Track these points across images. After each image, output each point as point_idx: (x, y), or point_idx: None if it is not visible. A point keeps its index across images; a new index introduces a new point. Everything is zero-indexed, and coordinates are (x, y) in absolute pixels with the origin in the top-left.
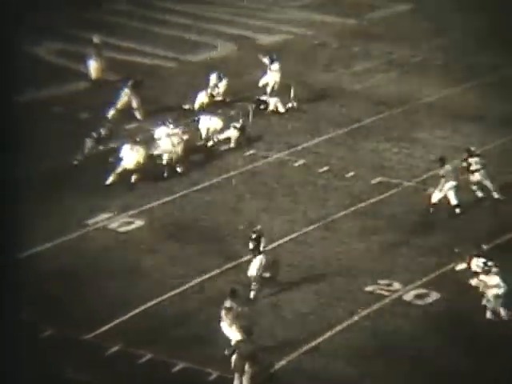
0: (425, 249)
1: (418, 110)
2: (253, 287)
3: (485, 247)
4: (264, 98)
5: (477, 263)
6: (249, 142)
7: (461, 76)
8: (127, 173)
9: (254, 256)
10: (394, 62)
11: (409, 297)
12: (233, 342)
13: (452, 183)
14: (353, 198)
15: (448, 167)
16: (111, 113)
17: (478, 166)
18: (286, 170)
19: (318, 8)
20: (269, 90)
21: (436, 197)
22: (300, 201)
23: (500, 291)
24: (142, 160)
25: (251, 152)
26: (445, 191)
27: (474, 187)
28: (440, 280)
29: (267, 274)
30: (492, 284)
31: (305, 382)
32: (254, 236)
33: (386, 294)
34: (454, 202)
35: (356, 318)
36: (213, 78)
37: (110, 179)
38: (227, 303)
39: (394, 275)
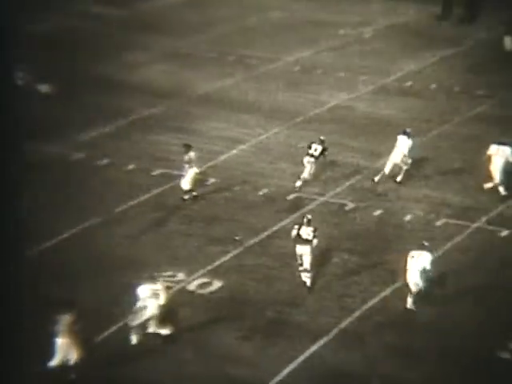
0: (207, 238)
1: (193, 101)
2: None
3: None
4: None
5: None
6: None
7: (234, 68)
8: None
9: None
10: (167, 53)
11: (192, 286)
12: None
13: (195, 170)
14: (134, 191)
15: (192, 154)
16: None
17: (317, 153)
18: (64, 165)
19: None
20: None
21: (185, 184)
22: (81, 195)
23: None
24: None
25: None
26: (189, 177)
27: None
28: (222, 268)
29: None
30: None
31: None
32: None
33: (171, 285)
34: (187, 187)
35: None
36: None
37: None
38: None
39: (178, 266)
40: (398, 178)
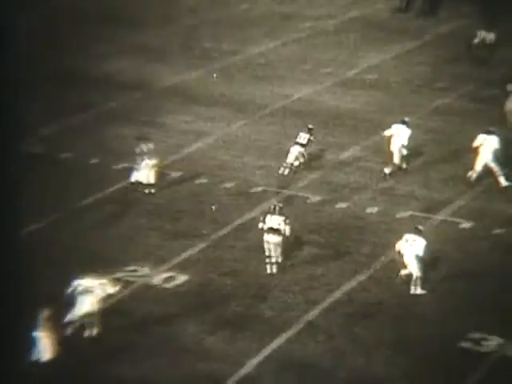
0: (172, 232)
1: (158, 94)
2: None
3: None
4: None
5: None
6: None
7: (199, 61)
8: None
9: None
10: (132, 46)
11: (157, 281)
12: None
13: (153, 161)
14: (98, 185)
15: (144, 146)
16: None
17: (305, 142)
18: (27, 159)
19: None
20: None
21: (135, 176)
22: (43, 189)
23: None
24: None
25: None
26: (145, 169)
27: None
28: (187, 262)
29: None
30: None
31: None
32: None
33: (134, 279)
34: (152, 180)
35: (105, 305)
36: None
37: None
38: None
39: (143, 260)
40: (386, 170)
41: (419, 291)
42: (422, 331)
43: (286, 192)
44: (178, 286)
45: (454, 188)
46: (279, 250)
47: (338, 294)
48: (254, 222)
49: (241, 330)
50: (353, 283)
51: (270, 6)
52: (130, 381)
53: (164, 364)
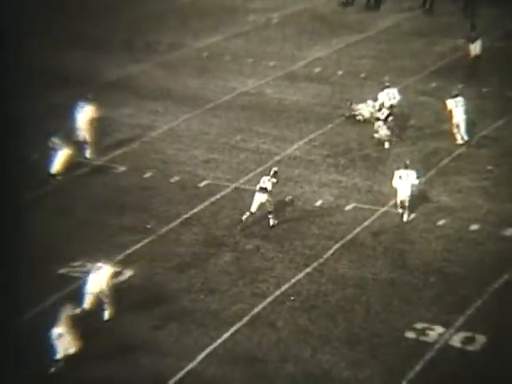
0: (117, 227)
1: (102, 88)
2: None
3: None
4: None
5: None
6: None
7: (143, 54)
8: None
9: None
10: (75, 39)
11: None
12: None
13: (64, 151)
14: (42, 180)
15: (56, 140)
16: None
17: (383, 117)
18: None
19: None
20: None
21: (54, 168)
22: None
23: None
24: None
25: None
26: (59, 159)
27: None
28: (133, 257)
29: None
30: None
31: None
32: None
33: (80, 275)
34: (53, 170)
35: (49, 302)
36: None
37: None
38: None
39: (88, 256)
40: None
41: (411, 216)
42: (368, 322)
43: (233, 185)
44: (123, 281)
45: None
46: (264, 206)
47: (284, 287)
48: (201, 215)
49: (188, 325)
50: (300, 276)
51: None
52: (75, 378)
53: (111, 360)
